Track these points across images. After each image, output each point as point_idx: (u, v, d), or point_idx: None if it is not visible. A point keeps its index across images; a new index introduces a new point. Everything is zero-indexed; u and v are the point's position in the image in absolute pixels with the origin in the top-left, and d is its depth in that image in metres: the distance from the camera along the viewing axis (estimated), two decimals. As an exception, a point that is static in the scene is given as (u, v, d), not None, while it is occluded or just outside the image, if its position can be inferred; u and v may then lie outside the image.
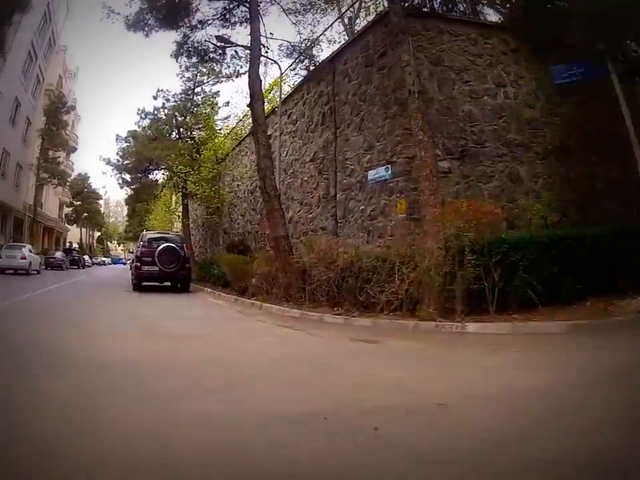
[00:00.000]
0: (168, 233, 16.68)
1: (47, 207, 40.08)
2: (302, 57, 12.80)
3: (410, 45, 7.98)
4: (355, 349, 5.54)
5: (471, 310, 6.69)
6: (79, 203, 57.72)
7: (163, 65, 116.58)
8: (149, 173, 23.92)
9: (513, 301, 6.55)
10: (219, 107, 21.80)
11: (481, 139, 9.31)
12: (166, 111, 21.56)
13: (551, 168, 9.66)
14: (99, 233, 77.58)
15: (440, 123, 8.90)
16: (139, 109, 22.43)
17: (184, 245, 13.93)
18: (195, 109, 20.87)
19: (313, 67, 12.41)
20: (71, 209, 56.24)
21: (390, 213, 8.84)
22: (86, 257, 42.70)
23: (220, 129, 21.53)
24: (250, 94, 10.86)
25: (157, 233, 16.07)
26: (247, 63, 12.35)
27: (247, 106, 11.70)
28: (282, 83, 14.40)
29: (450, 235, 6.98)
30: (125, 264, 73.76)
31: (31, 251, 20.93)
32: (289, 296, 9.16)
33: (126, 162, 23.19)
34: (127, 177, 24.28)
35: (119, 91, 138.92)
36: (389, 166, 8.86)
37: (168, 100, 21.45)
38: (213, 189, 17.32)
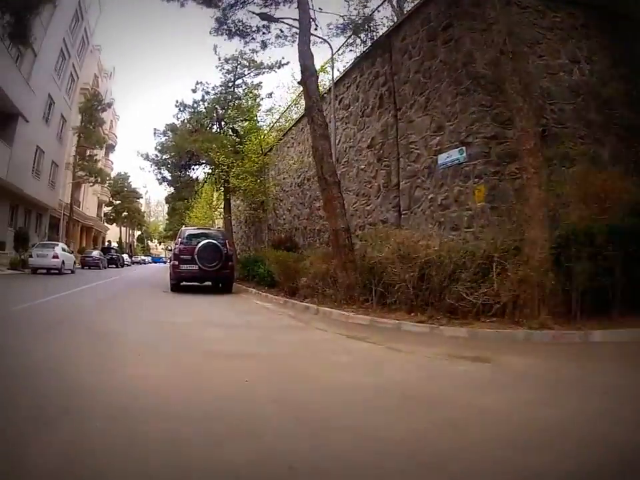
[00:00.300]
0: (209, 229, 15.44)
1: (85, 205, 40.16)
2: (357, 33, 11.45)
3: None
4: (467, 374, 4.01)
5: (590, 313, 5.56)
6: (118, 202, 58.35)
7: (201, 59, 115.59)
8: (189, 168, 22.83)
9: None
10: (262, 99, 20.50)
11: (562, 118, 8.29)
12: (206, 103, 20.49)
13: (633, 151, 8.56)
14: (139, 232, 78.62)
15: (517, 99, 7.61)
16: (177, 101, 21.40)
17: (226, 241, 12.65)
18: (237, 101, 19.87)
19: (371, 43, 11.16)
20: (110, 208, 56.87)
21: (466, 201, 7.78)
22: (125, 256, 42.68)
23: (263, 122, 20.42)
24: (301, 69, 9.69)
25: (197, 228, 14.75)
26: (293, 42, 11.51)
27: (299, 83, 10.42)
28: (334, 64, 13.04)
29: (564, 223, 5.99)
30: (165, 262, 74.76)
31: (64, 250, 20.23)
32: (350, 298, 7.80)
33: (165, 156, 22.23)
34: (166, 173, 23.36)
35: (156, 89, 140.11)
36: (464, 148, 7.84)
37: (208, 93, 20.35)
38: (258, 181, 15.74)
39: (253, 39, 12.62)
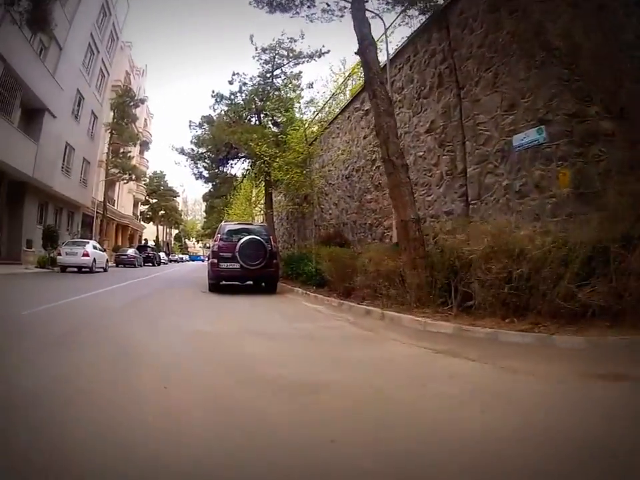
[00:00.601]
0: (251, 224, 14.19)
1: (121, 204, 39.82)
2: (413, 3, 9.84)
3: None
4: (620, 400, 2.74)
5: None
6: (155, 200, 58.42)
7: (236, 50, 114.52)
8: (227, 162, 21.62)
9: None
10: (302, 89, 19.11)
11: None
12: (243, 95, 19.41)
13: None
14: (177, 231, 78.97)
15: (594, 74, 6.67)
16: (213, 91, 20.05)
17: (270, 237, 11.58)
18: (276, 92, 18.76)
19: (426, 19, 9.76)
20: (146, 206, 56.95)
21: (549, 187, 6.66)
22: (162, 254, 42.10)
23: (303, 114, 18.69)
24: (358, 39, 8.37)
25: (238, 223, 13.54)
26: (341, 17, 10.41)
27: (355, 53, 9.01)
28: (387, 39, 11.28)
29: None
30: (203, 261, 75.14)
31: (95, 247, 19.27)
32: (420, 300, 6.28)
33: (201, 150, 21.14)
34: (203, 168, 22.22)
35: (189, 85, 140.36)
36: (542, 127, 6.77)
37: (245, 84, 19.21)
38: (304, 172, 14.35)
39: (297, 12, 11.03)
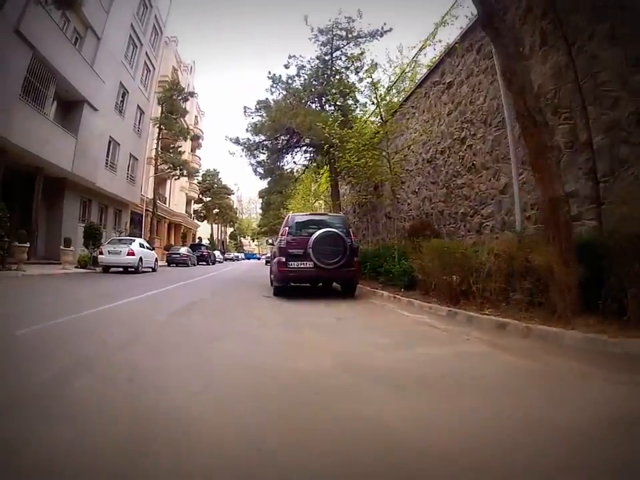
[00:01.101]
0: (325, 214, 12.07)
1: (173, 202, 39.17)
2: None
3: None
4: None
5: None
6: (208, 199, 58.11)
7: (287, 35, 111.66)
8: (288, 152, 19.80)
9: None
10: (366, 71, 16.53)
11: None
12: (301, 79, 18.13)
13: None
14: (232, 229, 78.85)
15: None
16: (269, 73, 18.47)
17: (349, 229, 9.72)
18: (337, 75, 17.50)
19: None
20: (200, 205, 56.70)
21: None
22: (216, 253, 41.09)
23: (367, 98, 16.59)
24: None
25: (310, 214, 11.66)
26: None
27: None
28: None
29: None
30: (258, 259, 75.41)
31: (142, 246, 17.81)
32: (575, 307, 4.40)
33: (258, 139, 19.36)
34: (260, 157, 20.34)
35: (240, 80, 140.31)
36: None
37: (302, 67, 17.90)
38: (382, 154, 12.07)
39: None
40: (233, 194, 68.49)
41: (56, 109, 18.25)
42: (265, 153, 19.75)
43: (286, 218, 10.27)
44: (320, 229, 9.11)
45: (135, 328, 5.11)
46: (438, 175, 11.31)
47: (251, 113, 19.34)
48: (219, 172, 61.63)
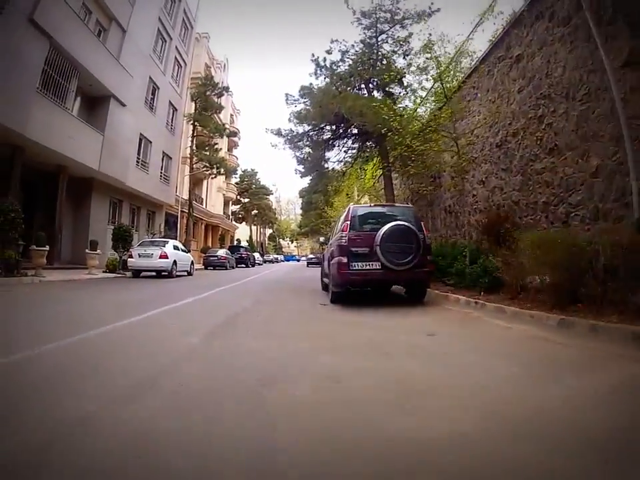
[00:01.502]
0: (393, 205, 10.34)
1: (210, 203, 38.17)
2: None
3: None
4: None
5: None
6: (247, 199, 57.14)
7: (326, 21, 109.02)
8: (334, 143, 18.26)
9: None
10: (415, 53, 15.35)
11: None
12: (346, 65, 16.80)
13: None
14: (271, 231, 77.86)
15: None
16: (312, 55, 17.01)
17: (421, 223, 8.31)
18: (385, 60, 16.32)
19: None
20: (238, 206, 55.78)
21: None
22: (256, 255, 39.80)
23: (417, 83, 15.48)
24: None
25: (373, 206, 9.90)
26: None
27: None
28: None
29: None
30: (298, 261, 76.02)
31: (176, 248, 16.39)
32: None
33: (301, 129, 17.85)
34: (303, 151, 18.84)
35: (275, 76, 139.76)
36: None
37: (346, 52, 16.64)
38: (452, 134, 10.27)
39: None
40: (272, 194, 67.47)
41: (80, 104, 17.11)
42: (308, 145, 18.36)
43: (346, 210, 8.69)
44: (387, 222, 7.67)
45: (155, 360, 3.53)
46: (510, 161, 9.94)
47: (294, 100, 17.76)
48: (257, 172, 60.64)
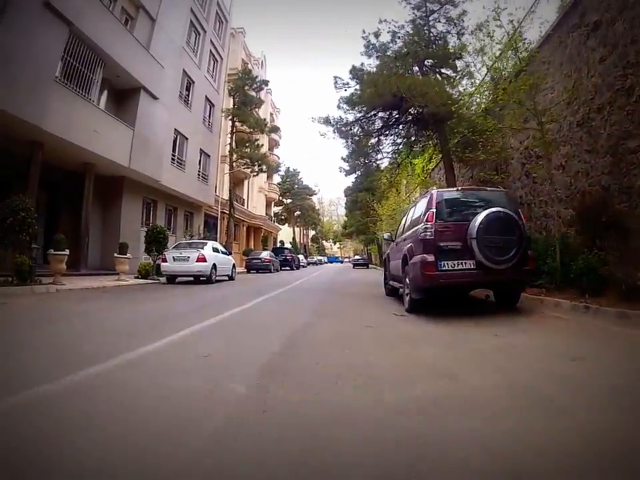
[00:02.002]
0: (481, 189, 8.32)
1: (252, 204, 36.88)
2: None
3: None
4: None
5: None
6: (289, 200, 55.82)
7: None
8: (389, 129, 16.85)
9: None
10: (470, 32, 14.42)
11: None
12: (397, 45, 15.74)
13: None
14: (313, 232, 76.53)
15: None
16: (364, 31, 15.84)
17: (519, 210, 6.85)
18: (439, 40, 15.43)
19: None
20: (280, 207, 54.51)
21: None
22: (300, 257, 38.22)
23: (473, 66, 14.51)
24: None
25: (461, 190, 7.65)
26: None
27: None
28: None
29: None
30: (341, 262, 77.18)
31: (216, 250, 14.73)
32: None
33: (350, 118, 16.46)
34: (354, 139, 17.36)
35: (315, 71, 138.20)
36: None
37: (395, 33, 15.54)
38: (532, 109, 8.87)
39: None
40: (315, 194, 65.95)
41: (107, 97, 15.71)
42: (359, 135, 16.91)
43: (428, 197, 7.00)
44: (483, 209, 6.27)
45: (172, 452, 1.79)
46: (596, 141, 8.58)
47: (343, 84, 16.30)
48: (299, 172, 59.30)
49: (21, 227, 8.64)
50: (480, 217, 6.03)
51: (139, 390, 2.61)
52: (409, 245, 6.89)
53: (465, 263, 6.06)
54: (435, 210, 6.36)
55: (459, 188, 7.74)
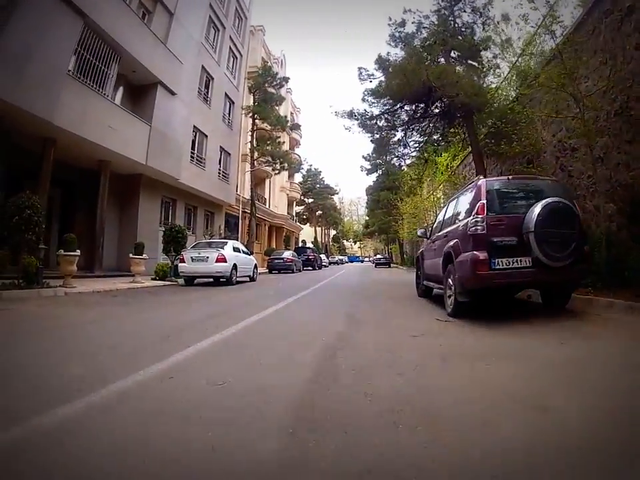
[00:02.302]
0: (535, 177, 7.47)
1: (273, 203, 36.28)
2: None
3: None
4: None
5: None
6: (311, 200, 55.28)
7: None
8: (417, 122, 16.18)
9: None
10: (497, 22, 13.67)
11: None
12: (423, 35, 15.22)
13: None
14: (334, 232, 76.04)
15: None
16: (389, 18, 15.24)
17: (575, 203, 5.97)
18: (466, 30, 14.87)
19: None
20: (302, 207, 54.05)
21: None
22: (322, 256, 37.56)
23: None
24: None
25: (512, 179, 6.62)
26: None
27: None
28: None
29: None
30: (362, 262, 78.49)
31: (237, 250, 13.98)
32: None
33: (375, 111, 15.95)
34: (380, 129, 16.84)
35: (335, 69, 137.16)
36: None
37: (421, 23, 14.99)
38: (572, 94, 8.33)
39: None
40: (337, 194, 65.30)
41: (123, 93, 15.19)
42: (384, 130, 16.47)
43: (476, 187, 6.13)
44: (538, 199, 5.54)
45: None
46: (637, 130, 7.95)
47: (368, 75, 15.65)
48: (320, 171, 58.71)
49: (26, 225, 8.01)
50: (537, 208, 5.31)
51: (114, 447, 1.80)
52: (454, 242, 6.09)
53: (521, 261, 5.34)
54: (485, 201, 5.60)
55: (509, 177, 6.77)
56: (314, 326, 5.15)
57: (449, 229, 6.73)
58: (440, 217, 8.05)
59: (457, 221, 6.45)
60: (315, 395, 2.47)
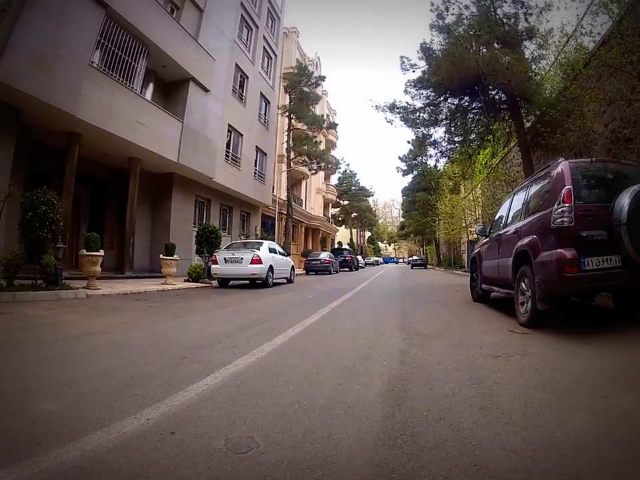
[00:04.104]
0: (618, 162, 6.23)
1: (309, 205, 35.71)
2: None
3: None
4: None
5: None
6: (346, 202, 54.77)
7: None
8: (456, 116, 15.68)
9: None
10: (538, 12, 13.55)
11: None
12: (465, 25, 14.57)
13: None
14: (369, 233, 75.60)
15: None
16: (432, 4, 14.62)
17: None
18: (510, 20, 14.05)
19: None
20: (338, 209, 53.62)
21: None
22: (359, 257, 36.95)
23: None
24: None
25: (595, 161, 5.31)
26: None
27: None
28: None
29: None
30: (396, 262, 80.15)
31: (273, 251, 13.15)
32: None
33: (419, 104, 15.51)
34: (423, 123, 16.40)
35: (369, 70, 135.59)
36: None
37: (461, 15, 14.41)
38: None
39: None
40: (372, 195, 64.52)
41: (153, 89, 14.61)
42: (427, 125, 16.11)
43: (555, 170, 5.07)
44: (624, 186, 4.53)
45: None
46: None
47: (410, 65, 15.19)
48: (356, 173, 58.26)
49: (41, 222, 7.36)
50: (627, 196, 4.34)
51: None
52: (531, 238, 5.07)
53: (610, 260, 4.41)
54: (569, 188, 4.56)
55: (592, 159, 5.53)
56: (367, 341, 4.10)
57: (519, 224, 5.74)
58: (502, 212, 7.02)
59: (528, 215, 5.51)
60: (389, 467, 1.46)
